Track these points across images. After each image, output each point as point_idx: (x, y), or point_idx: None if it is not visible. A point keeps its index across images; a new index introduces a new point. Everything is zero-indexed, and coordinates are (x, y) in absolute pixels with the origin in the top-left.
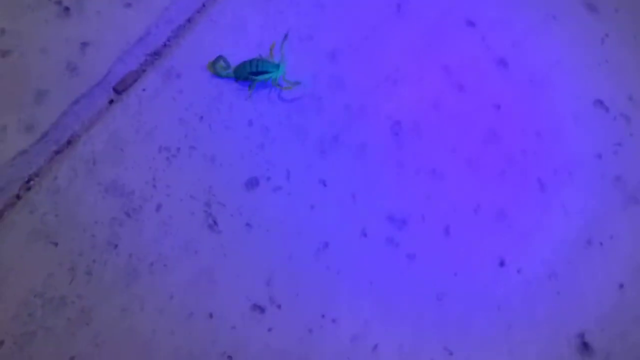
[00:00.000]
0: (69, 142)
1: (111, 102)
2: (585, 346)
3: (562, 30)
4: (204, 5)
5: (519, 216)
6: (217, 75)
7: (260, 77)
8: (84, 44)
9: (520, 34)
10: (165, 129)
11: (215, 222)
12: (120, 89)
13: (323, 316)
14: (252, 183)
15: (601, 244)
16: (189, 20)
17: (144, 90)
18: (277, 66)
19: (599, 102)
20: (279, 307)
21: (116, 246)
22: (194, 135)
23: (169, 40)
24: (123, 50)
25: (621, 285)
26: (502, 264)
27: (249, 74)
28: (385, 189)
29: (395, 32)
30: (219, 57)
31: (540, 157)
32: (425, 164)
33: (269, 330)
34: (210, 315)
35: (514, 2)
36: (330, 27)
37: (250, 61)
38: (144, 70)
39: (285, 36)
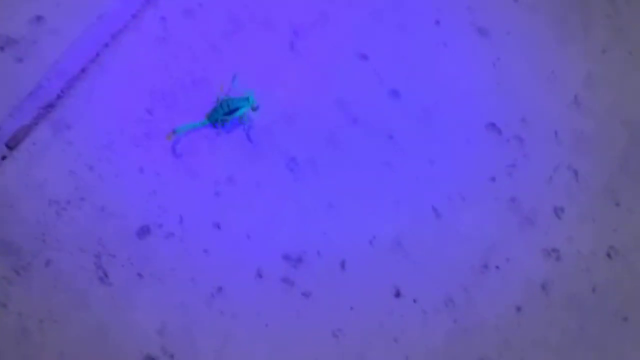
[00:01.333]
0: None
1: (4, 158)
2: None
3: (454, 56)
4: (97, 55)
5: (415, 245)
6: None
7: (235, 114)
8: None
9: (411, 63)
10: (55, 182)
11: (105, 275)
12: (12, 145)
13: None
14: (144, 231)
15: (497, 267)
16: (82, 70)
17: (34, 144)
18: (247, 99)
19: (492, 125)
20: (172, 357)
21: (5, 305)
22: (84, 186)
23: (61, 92)
24: (14, 105)
25: (518, 309)
26: (397, 294)
27: (223, 116)
28: (281, 227)
29: (289, 70)
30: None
31: (433, 184)
32: (321, 199)
33: None
34: None
35: (406, 33)
36: (225, 68)
37: (221, 103)
38: (35, 124)
39: (234, 77)
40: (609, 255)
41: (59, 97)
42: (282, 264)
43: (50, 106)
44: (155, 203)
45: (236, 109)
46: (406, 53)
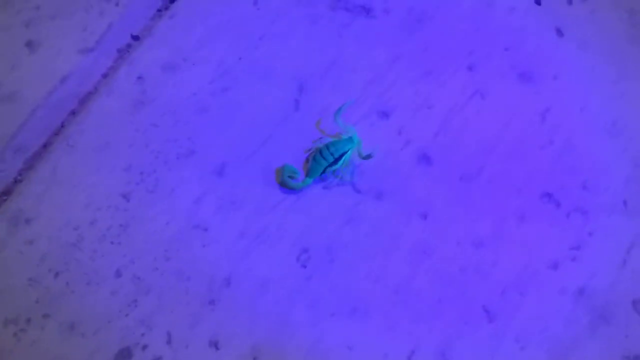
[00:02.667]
0: None
1: None
2: None
3: (492, 109)
4: (62, 126)
5: (463, 358)
6: (289, 187)
7: (341, 162)
8: None
9: (442, 119)
10: (11, 295)
11: None
12: None
13: None
14: (124, 355)
15: None
16: (44, 146)
17: None
18: (351, 139)
19: (548, 196)
20: None
21: None
22: (48, 298)
23: (19, 174)
24: None
25: None
26: None
27: (327, 168)
28: (295, 341)
29: (293, 131)
30: (286, 166)
31: (481, 277)
32: (341, 301)
33: None
34: None
35: (433, 80)
36: (215, 135)
37: (320, 152)
38: None
39: (343, 105)
40: None
41: (16, 181)
42: None
43: (5, 194)
44: (136, 317)
45: (341, 156)
46: (435, 106)
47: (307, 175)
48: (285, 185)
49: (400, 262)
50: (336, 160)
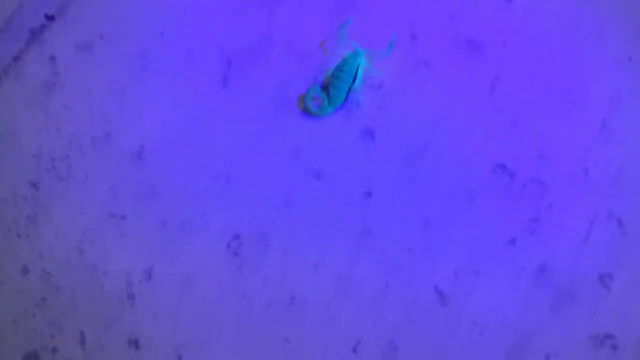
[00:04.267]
0: None
1: None
2: None
3: (439, 76)
4: None
5: (413, 346)
6: (312, 113)
7: (359, 80)
8: None
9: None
10: None
11: None
12: None
13: None
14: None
15: None
16: None
17: None
18: (357, 52)
19: (501, 167)
20: None
21: None
22: None
23: None
24: None
25: None
26: None
27: (348, 90)
28: (225, 336)
29: (221, 111)
30: (310, 88)
31: (432, 256)
32: (277, 291)
33: None
34: None
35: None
36: (133, 118)
37: (337, 76)
38: None
39: (343, 24)
40: None
41: None
42: None
43: None
44: (45, 317)
45: (356, 71)
46: (378, 77)
47: (330, 104)
48: (307, 111)
49: (343, 245)
50: (354, 79)
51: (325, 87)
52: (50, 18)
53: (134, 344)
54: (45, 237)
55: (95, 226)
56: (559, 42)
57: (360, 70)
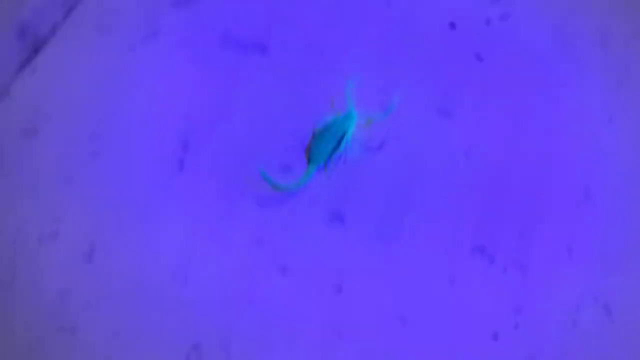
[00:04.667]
0: None
1: None
2: None
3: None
4: None
5: None
6: (287, 190)
7: (343, 144)
8: None
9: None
10: None
11: None
12: None
13: None
14: None
15: None
16: None
17: None
18: (349, 115)
19: (480, 251)
20: None
21: None
22: None
23: None
24: None
25: None
26: None
27: (332, 152)
28: None
29: (177, 198)
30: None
31: (408, 353)
32: None
33: None
34: None
35: None
36: (85, 214)
37: (321, 136)
38: None
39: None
40: None
41: None
42: None
43: None
44: None
45: (343, 136)
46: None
47: (309, 162)
48: (281, 189)
49: (310, 349)
50: (339, 143)
51: (307, 148)
52: None
53: None
54: None
55: (43, 341)
56: (536, 102)
57: (349, 134)
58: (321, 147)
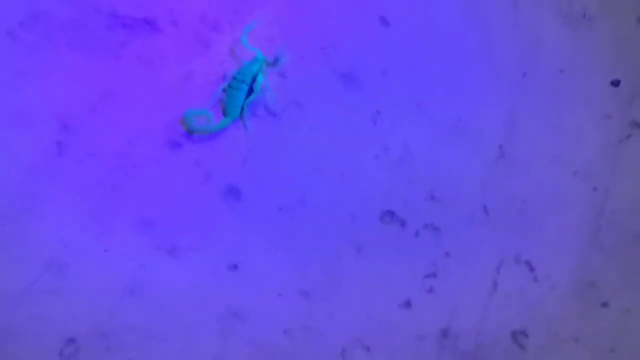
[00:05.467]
0: None
1: None
2: None
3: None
4: None
5: None
6: (204, 133)
7: (257, 89)
8: None
9: None
10: None
11: None
12: None
13: None
14: None
15: None
16: None
17: None
18: (257, 58)
19: (390, 215)
20: None
21: None
22: None
23: None
24: None
25: None
26: None
27: (246, 101)
28: None
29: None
30: (187, 113)
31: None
32: None
33: None
34: None
35: None
36: None
37: (231, 85)
38: None
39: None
40: None
41: None
42: None
43: None
44: None
45: (255, 78)
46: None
47: (225, 115)
48: (197, 132)
49: (206, 337)
50: (251, 89)
51: (221, 101)
52: None
53: None
54: None
55: None
56: (444, 65)
57: (259, 79)
58: (235, 96)
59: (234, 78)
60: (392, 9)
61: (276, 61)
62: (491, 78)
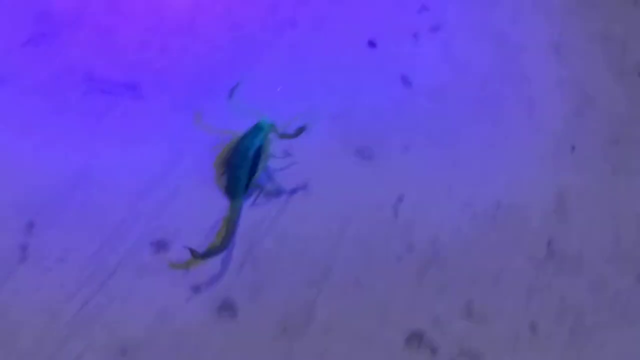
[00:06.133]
0: None
1: None
2: None
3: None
4: None
5: None
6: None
7: (261, 163)
8: None
9: None
10: None
11: None
12: None
13: None
14: None
15: None
16: None
17: None
18: (259, 125)
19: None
20: None
21: None
22: None
23: None
24: None
25: None
26: None
27: (250, 180)
28: None
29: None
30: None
31: None
32: None
33: None
34: None
35: None
36: None
37: (230, 162)
38: None
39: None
40: None
41: None
42: None
43: None
44: None
45: (258, 155)
46: None
47: (231, 198)
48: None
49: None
50: (255, 163)
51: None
52: None
53: None
54: None
55: None
56: (478, 134)
57: (267, 147)
58: (236, 175)
59: (234, 150)
60: (413, 66)
61: (298, 131)
62: (535, 151)
